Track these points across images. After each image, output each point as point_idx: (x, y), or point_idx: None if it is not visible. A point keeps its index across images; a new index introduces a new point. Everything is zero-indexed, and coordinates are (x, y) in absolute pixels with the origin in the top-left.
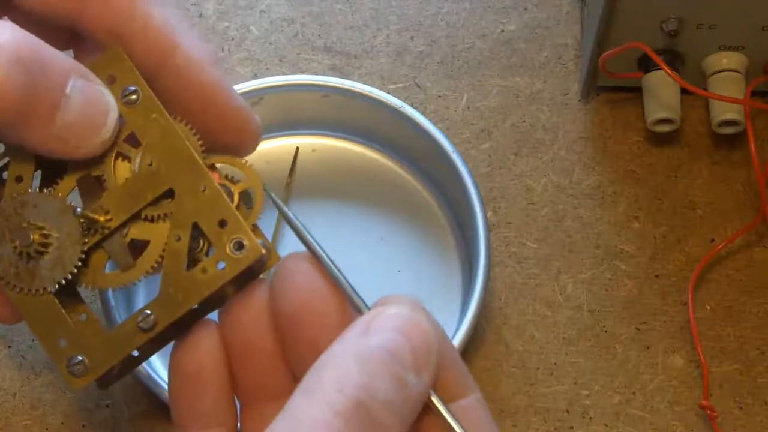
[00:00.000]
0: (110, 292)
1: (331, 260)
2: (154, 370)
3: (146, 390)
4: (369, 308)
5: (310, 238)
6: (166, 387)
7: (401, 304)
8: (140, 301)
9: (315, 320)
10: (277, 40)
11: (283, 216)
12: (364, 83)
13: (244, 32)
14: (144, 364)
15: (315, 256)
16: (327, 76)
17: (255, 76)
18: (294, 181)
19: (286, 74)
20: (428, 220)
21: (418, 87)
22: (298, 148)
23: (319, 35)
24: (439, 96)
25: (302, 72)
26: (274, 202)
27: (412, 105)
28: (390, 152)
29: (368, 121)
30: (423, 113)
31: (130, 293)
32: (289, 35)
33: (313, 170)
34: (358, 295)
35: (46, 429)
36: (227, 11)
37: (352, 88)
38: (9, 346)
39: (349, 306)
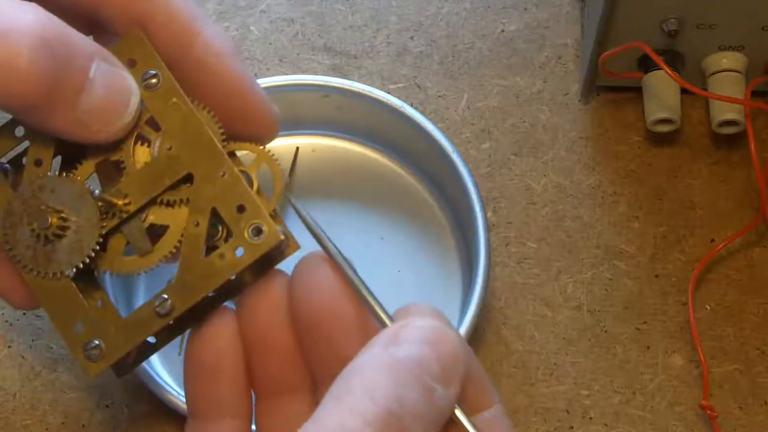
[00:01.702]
0: (110, 290)
1: (350, 264)
2: (154, 371)
3: (146, 390)
4: (390, 317)
5: (330, 244)
6: (166, 388)
7: (426, 315)
8: (141, 298)
9: (333, 321)
10: (277, 40)
11: (302, 219)
12: (364, 83)
13: (244, 32)
14: (145, 365)
15: (335, 261)
16: (327, 76)
17: (255, 76)
18: (294, 181)
19: (286, 74)
20: (428, 220)
21: (418, 87)
22: (298, 147)
23: (319, 35)
24: (439, 96)
25: (302, 72)
26: (294, 207)
27: (412, 105)
28: (390, 152)
29: (368, 121)
30: (423, 113)
31: (130, 290)
32: (289, 35)
33: (313, 170)
34: (379, 304)
35: (46, 429)
36: (227, 11)
37: (352, 88)
38: (9, 346)
39: (366, 310)
